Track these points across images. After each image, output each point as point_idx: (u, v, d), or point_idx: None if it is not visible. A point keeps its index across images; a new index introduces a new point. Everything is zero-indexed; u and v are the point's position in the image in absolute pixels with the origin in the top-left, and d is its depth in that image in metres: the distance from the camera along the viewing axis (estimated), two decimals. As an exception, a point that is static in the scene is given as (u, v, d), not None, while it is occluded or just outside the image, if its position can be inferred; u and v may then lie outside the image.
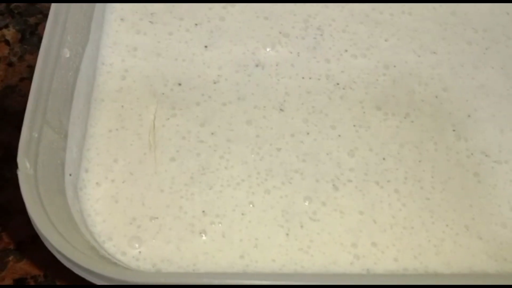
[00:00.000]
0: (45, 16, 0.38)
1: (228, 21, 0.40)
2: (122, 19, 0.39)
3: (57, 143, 0.30)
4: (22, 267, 0.32)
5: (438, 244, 0.31)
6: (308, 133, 0.36)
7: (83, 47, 0.34)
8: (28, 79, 0.38)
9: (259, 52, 0.39)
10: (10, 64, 0.39)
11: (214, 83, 0.37)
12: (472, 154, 0.34)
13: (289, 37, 0.40)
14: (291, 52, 0.39)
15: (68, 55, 0.32)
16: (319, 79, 0.38)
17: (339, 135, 0.35)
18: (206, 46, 0.39)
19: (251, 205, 0.32)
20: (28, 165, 0.25)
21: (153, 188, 0.32)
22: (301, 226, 0.31)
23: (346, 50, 0.39)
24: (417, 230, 0.32)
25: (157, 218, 0.31)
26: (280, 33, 0.40)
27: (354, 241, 0.31)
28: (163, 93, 0.37)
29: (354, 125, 0.35)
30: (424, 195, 0.33)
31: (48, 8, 0.38)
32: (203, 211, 0.31)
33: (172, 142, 0.35)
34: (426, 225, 0.32)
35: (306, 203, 0.32)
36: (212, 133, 0.36)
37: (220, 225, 0.31)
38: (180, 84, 0.37)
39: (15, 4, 0.41)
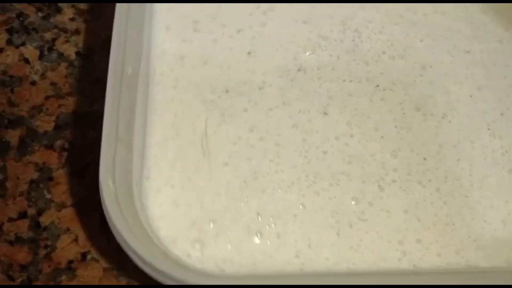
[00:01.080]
0: (61, 30, 0.41)
1: (269, 26, 0.41)
2: (167, 28, 0.39)
3: (126, 157, 0.32)
4: (76, 285, 0.33)
5: (477, 239, 0.33)
6: (352, 136, 0.38)
7: (138, 61, 0.35)
8: (53, 97, 0.37)
9: (300, 56, 0.40)
10: (33, 83, 0.38)
11: (259, 89, 0.38)
12: (506, 151, 0.36)
13: (328, 40, 0.41)
14: (331, 55, 0.40)
15: (130, 72, 0.33)
16: (359, 82, 0.40)
17: (382, 137, 0.36)
18: (249, 53, 0.40)
19: (302, 207, 0.33)
20: (110, 184, 0.27)
21: (210, 192, 0.34)
22: (351, 226, 0.33)
23: (384, 52, 0.41)
24: (458, 226, 0.33)
25: (216, 221, 0.33)
26: (320, 36, 0.41)
27: (400, 238, 0.32)
28: (212, 101, 0.38)
29: (395, 126, 0.37)
30: (464, 192, 0.34)
31: (63, 23, 0.41)
32: (258, 213, 0.33)
33: (224, 148, 0.36)
34: (466, 221, 0.33)
35: (354, 203, 0.33)
36: (261, 138, 0.37)
37: (274, 226, 0.32)
38: (227, 91, 0.38)
39: (28, 20, 0.40)
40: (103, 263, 0.33)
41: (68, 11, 0.41)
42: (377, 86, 0.39)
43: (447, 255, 0.32)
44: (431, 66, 0.41)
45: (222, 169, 0.34)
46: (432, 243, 0.33)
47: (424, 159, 0.35)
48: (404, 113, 0.38)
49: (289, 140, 0.35)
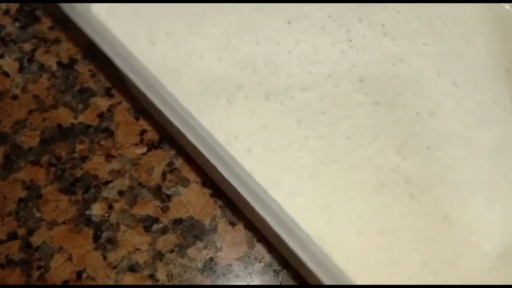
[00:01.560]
0: (40, 40, 0.38)
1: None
2: None
3: None
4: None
5: (295, 195, 0.33)
6: (289, 52, 0.37)
7: None
8: (36, 110, 0.36)
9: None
10: (14, 97, 0.36)
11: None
12: (396, 171, 0.35)
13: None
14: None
15: None
16: (339, 27, 0.38)
17: (310, 72, 0.37)
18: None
19: (200, 58, 0.36)
20: None
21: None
22: (216, 98, 0.35)
23: (383, 25, 0.38)
24: (292, 172, 0.34)
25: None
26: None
27: (239, 135, 0.35)
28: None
29: (328, 75, 0.36)
30: (322, 159, 0.34)
31: (41, 32, 0.38)
32: (167, 34, 0.37)
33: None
34: (300, 175, 0.34)
35: (236, 91, 0.35)
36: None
37: (167, 50, 0.36)
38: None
39: (5, 31, 0.38)
40: (99, 281, 0.32)
41: (46, 20, 0.39)
42: (350, 40, 0.37)
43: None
44: (410, 66, 0.37)
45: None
46: (257, 161, 0.34)
47: (323, 112, 0.36)
48: (347, 74, 0.36)
49: (243, 13, 0.38)
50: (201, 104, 0.37)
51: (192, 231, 0.33)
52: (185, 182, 0.35)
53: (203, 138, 0.30)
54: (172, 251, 0.33)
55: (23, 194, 0.33)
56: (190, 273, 0.32)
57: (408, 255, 0.34)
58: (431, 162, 0.36)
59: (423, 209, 0.35)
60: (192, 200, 0.35)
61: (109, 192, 0.34)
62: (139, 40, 0.37)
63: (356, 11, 0.41)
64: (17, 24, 0.38)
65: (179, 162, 0.35)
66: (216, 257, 0.34)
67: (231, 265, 0.34)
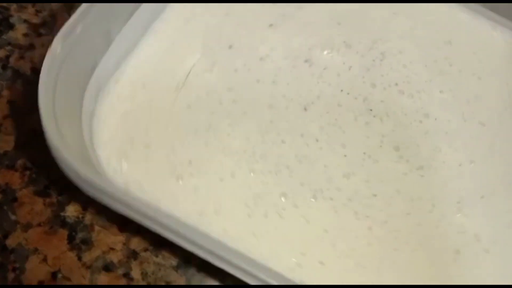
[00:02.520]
0: (15, 46, 0.39)
1: (304, 12, 0.40)
2: None
3: (98, 46, 0.33)
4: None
5: (384, 295, 0.31)
6: (317, 140, 0.37)
7: None
8: (10, 116, 0.36)
9: (315, 50, 0.39)
10: None
11: (260, 59, 0.38)
12: (464, 232, 0.33)
13: (350, 49, 0.39)
14: (344, 63, 0.39)
15: None
16: (355, 98, 0.38)
17: (345, 155, 0.35)
18: (271, 25, 0.39)
19: (232, 176, 0.33)
20: (59, 49, 0.29)
21: (161, 122, 0.35)
22: (265, 216, 0.32)
23: (396, 84, 0.39)
24: (370, 271, 0.31)
25: (150, 147, 0.33)
26: (344, 42, 0.40)
27: (305, 251, 0.31)
28: (211, 49, 0.38)
29: (364, 153, 0.36)
30: (395, 245, 0.32)
31: (16, 39, 0.39)
32: (190, 161, 0.33)
33: (197, 92, 0.37)
34: (380, 271, 0.32)
35: (282, 199, 0.33)
36: (234, 101, 0.37)
37: (197, 179, 0.33)
38: (230, 47, 0.38)
39: None
40: (74, 281, 0.32)
41: (20, 26, 0.39)
42: (370, 110, 0.38)
43: (342, 289, 0.30)
44: (435, 119, 0.38)
45: (184, 109, 0.35)
46: (333, 272, 0.31)
47: (374, 195, 0.34)
48: (381, 146, 0.37)
49: (258, 115, 0.36)
50: (252, 228, 0.34)
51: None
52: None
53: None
54: (146, 250, 0.33)
55: (-2, 198, 0.33)
56: (165, 271, 0.32)
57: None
58: (491, 210, 0.36)
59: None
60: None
61: (82, 194, 0.32)
62: (164, 180, 0.33)
63: (365, 77, 0.39)
64: (-9, 31, 0.39)
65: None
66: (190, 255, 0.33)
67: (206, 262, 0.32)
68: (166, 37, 0.39)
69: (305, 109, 0.38)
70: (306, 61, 0.39)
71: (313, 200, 0.35)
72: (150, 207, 0.30)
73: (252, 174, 0.35)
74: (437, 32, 0.42)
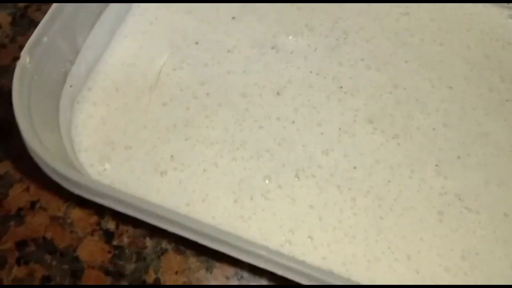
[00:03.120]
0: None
1: (263, 2, 0.42)
2: None
3: (66, 55, 0.34)
4: (22, 231, 0.34)
5: (372, 261, 0.32)
6: (293, 122, 0.37)
7: None
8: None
9: (280, 36, 0.40)
10: (3, 46, 0.40)
11: (228, 51, 0.39)
12: (445, 193, 0.34)
13: (313, 31, 0.41)
14: (309, 46, 0.40)
15: None
16: (325, 78, 0.39)
17: (322, 133, 0.36)
18: (233, 17, 0.41)
19: (215, 165, 0.34)
20: (28, 60, 0.29)
21: (138, 122, 0.36)
22: (251, 199, 0.33)
23: (362, 59, 0.40)
24: (358, 241, 0.32)
25: (131, 148, 0.34)
26: (306, 25, 0.41)
27: (293, 227, 0.32)
28: (179, 46, 0.39)
29: (339, 129, 0.36)
30: (379, 213, 0.33)
31: None
32: (172, 156, 0.34)
33: (170, 90, 0.38)
34: (368, 240, 0.32)
35: (266, 182, 0.34)
36: (208, 94, 0.38)
37: (181, 172, 0.33)
38: (197, 43, 0.40)
39: None
40: (50, 212, 0.34)
41: None
42: (341, 87, 0.39)
43: (332, 261, 0.31)
44: (405, 88, 0.39)
45: (159, 107, 0.36)
46: (323, 245, 0.32)
47: (354, 167, 0.34)
48: (355, 121, 0.37)
49: (233, 104, 0.36)
50: (240, 212, 0.34)
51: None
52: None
53: (257, 252, 0.27)
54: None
55: None
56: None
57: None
58: (469, 169, 0.37)
59: (484, 213, 0.35)
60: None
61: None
62: (149, 177, 0.34)
63: (331, 57, 0.40)
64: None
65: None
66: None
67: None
68: (133, 40, 0.40)
69: (278, 94, 0.39)
70: (272, 48, 0.40)
71: (296, 179, 0.36)
72: (139, 200, 0.31)
73: (234, 161, 0.36)
74: (393, 5, 0.43)
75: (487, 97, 0.40)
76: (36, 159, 0.29)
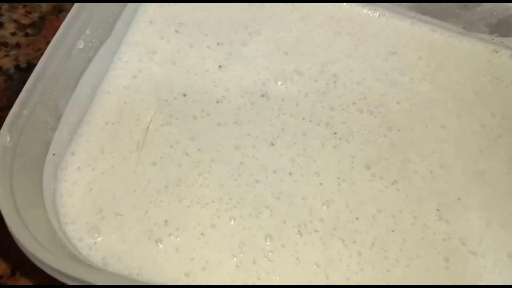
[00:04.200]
0: (1, 44, 0.40)
1: (249, 47, 0.40)
2: (151, 22, 0.39)
3: (48, 123, 0.31)
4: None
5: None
6: (290, 174, 0.36)
7: (101, 41, 0.35)
8: None
9: (269, 83, 0.39)
10: None
11: (217, 102, 0.38)
12: (449, 238, 0.34)
13: (302, 76, 0.39)
14: (299, 91, 0.39)
15: (81, 46, 0.33)
16: (318, 124, 0.38)
17: (320, 183, 0.35)
18: (220, 66, 0.39)
19: (212, 228, 0.32)
20: (8, 139, 0.27)
21: (127, 186, 0.34)
22: (254, 262, 0.31)
23: (354, 103, 0.39)
24: None
25: (121, 215, 0.32)
26: (295, 70, 0.40)
27: None
28: (166, 100, 0.37)
29: (338, 177, 0.35)
30: (386, 266, 0.32)
31: (3, 37, 0.40)
32: (166, 221, 0.32)
33: (159, 147, 0.35)
34: (378, 295, 0.31)
35: (267, 241, 0.32)
36: (199, 149, 0.36)
37: (177, 238, 0.32)
38: (184, 95, 0.38)
39: None
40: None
41: (9, 25, 0.41)
42: (335, 133, 0.38)
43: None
44: (398, 130, 0.39)
45: (149, 167, 0.34)
46: (332, 305, 0.30)
47: (357, 218, 0.34)
48: (352, 168, 0.36)
49: (226, 159, 0.35)
50: (244, 279, 0.32)
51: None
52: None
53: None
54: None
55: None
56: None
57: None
58: (470, 211, 0.37)
59: (488, 257, 0.34)
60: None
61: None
62: (143, 247, 0.32)
63: (323, 101, 0.39)
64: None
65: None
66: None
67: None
68: (116, 96, 0.38)
69: (272, 144, 0.37)
70: (262, 95, 0.39)
71: (298, 236, 0.34)
72: (134, 281, 0.29)
73: (232, 221, 0.34)
74: (380, 45, 0.43)
75: (479, 134, 0.40)
76: (23, 250, 0.26)
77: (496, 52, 0.43)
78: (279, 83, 0.39)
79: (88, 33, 0.32)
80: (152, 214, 0.32)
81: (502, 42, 0.43)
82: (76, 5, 0.31)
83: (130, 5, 0.38)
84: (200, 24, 0.40)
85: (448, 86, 0.41)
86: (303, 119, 0.38)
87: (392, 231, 0.35)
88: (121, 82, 0.37)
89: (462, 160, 0.38)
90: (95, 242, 0.32)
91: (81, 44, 0.32)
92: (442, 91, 0.41)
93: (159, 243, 0.33)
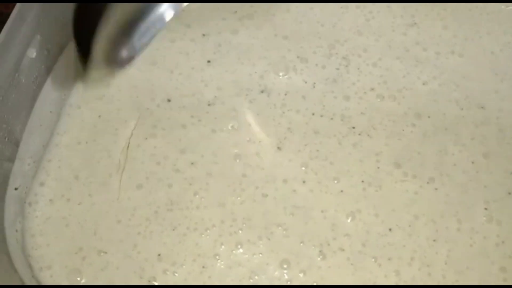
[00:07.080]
0: None
1: (241, 35, 0.34)
2: None
3: (2, 154, 0.26)
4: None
5: None
6: (304, 182, 0.30)
7: (61, 47, 0.30)
8: None
9: (269, 76, 0.33)
10: None
11: (209, 105, 0.32)
12: (502, 242, 0.28)
13: (307, 63, 0.33)
14: (305, 82, 0.33)
15: (34, 56, 0.28)
16: (332, 119, 0.32)
17: (342, 191, 0.29)
18: (209, 61, 0.33)
19: (216, 258, 0.27)
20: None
21: (110, 216, 0.29)
22: (269, 296, 0.26)
23: (372, 89, 0.33)
24: None
25: (106, 252, 0.27)
26: (298, 57, 0.33)
27: None
28: (147, 108, 0.32)
29: (362, 181, 0.30)
30: (431, 284, 0.26)
31: None
32: (159, 255, 0.27)
33: (144, 166, 0.30)
34: (423, 323, 0.26)
35: (283, 268, 0.27)
36: (192, 163, 0.31)
37: (174, 274, 0.27)
38: (169, 101, 0.32)
39: None
40: None
41: None
42: (353, 128, 0.32)
43: None
44: (429, 116, 0.32)
45: (133, 191, 0.29)
46: None
47: (390, 229, 0.29)
48: (378, 168, 0.31)
49: (226, 172, 0.30)
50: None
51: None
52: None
53: None
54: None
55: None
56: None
57: None
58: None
59: None
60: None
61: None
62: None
63: (335, 91, 0.33)
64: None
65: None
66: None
67: None
68: (88, 110, 0.32)
69: (279, 148, 0.31)
70: (262, 91, 0.33)
71: (321, 258, 0.28)
72: None
73: (239, 248, 0.29)
74: (396, 16, 0.37)
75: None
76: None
77: (533, 11, 0.37)
78: (280, 74, 0.33)
79: (39, 38, 0.26)
80: (142, 248, 0.28)
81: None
82: (18, 5, 0.26)
83: None
84: (180, 15, 0.35)
85: (482, 58, 0.34)
86: (313, 114, 0.32)
87: (434, 240, 0.29)
88: (92, 92, 0.32)
89: (508, 145, 0.32)
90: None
91: (32, 53, 0.27)
92: (476, 64, 0.34)
93: (153, 283, 0.28)
